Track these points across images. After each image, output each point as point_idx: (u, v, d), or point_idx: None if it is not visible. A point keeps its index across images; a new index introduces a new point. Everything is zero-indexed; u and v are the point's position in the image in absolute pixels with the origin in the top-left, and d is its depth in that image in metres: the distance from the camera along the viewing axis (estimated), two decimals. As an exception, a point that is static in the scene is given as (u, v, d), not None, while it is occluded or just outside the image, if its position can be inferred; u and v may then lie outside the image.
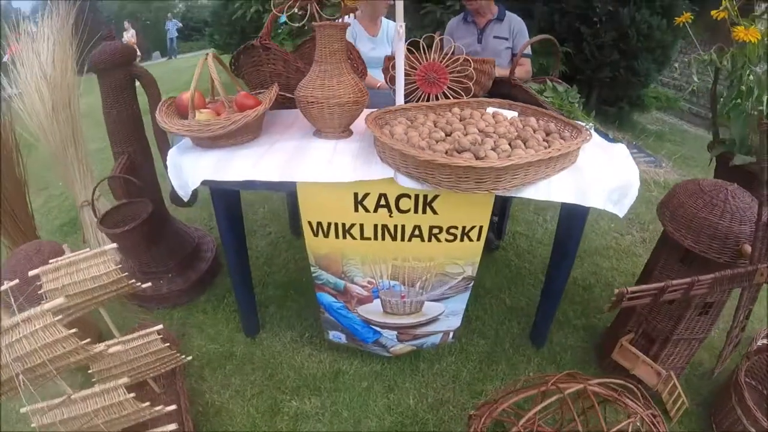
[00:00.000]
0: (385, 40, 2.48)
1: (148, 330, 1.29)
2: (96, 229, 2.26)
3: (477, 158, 1.07)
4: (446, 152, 1.11)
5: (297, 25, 1.38)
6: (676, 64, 2.00)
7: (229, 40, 6.12)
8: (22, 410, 1.06)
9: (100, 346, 0.99)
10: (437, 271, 1.39)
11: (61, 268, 1.22)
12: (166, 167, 1.44)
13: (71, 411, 1.00)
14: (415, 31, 3.52)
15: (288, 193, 2.48)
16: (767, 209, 1.16)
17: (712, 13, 1.74)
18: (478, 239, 1.28)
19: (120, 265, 1.23)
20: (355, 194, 1.21)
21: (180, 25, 11.36)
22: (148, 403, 1.07)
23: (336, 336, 1.71)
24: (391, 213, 1.24)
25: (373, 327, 1.61)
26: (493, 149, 1.13)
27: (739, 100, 1.84)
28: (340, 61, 1.32)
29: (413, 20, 3.64)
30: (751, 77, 1.76)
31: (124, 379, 1.03)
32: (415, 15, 3.67)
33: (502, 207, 2.45)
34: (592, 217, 2.86)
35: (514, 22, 2.35)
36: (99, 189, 1.97)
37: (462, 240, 1.28)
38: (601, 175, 1.28)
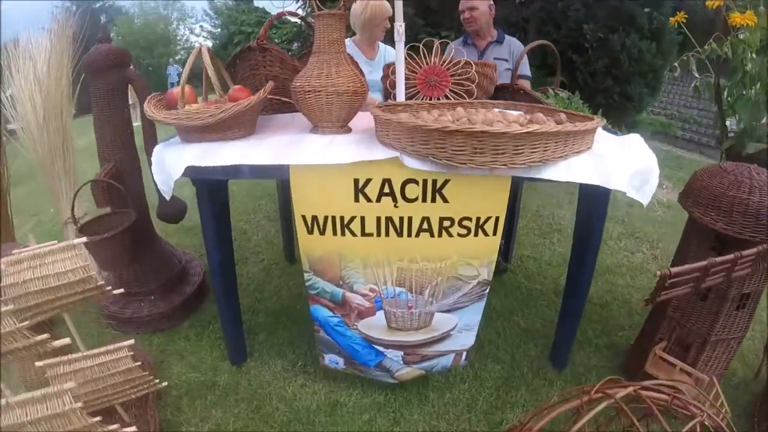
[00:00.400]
0: (382, 63, 2.47)
1: (117, 345, 1.12)
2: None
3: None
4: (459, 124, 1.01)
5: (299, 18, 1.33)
6: (675, 71, 1.97)
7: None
8: None
9: (59, 342, 0.82)
10: (449, 274, 1.24)
11: (23, 261, 1.08)
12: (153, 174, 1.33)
13: (7, 419, 0.81)
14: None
15: (283, 214, 2.38)
16: None
17: (708, 3, 1.75)
18: (494, 233, 1.15)
19: (88, 263, 1.08)
20: (356, 180, 1.09)
21: (181, 70, 11.76)
22: (98, 418, 0.88)
23: (333, 360, 1.52)
24: (397, 203, 1.11)
25: (375, 347, 1.42)
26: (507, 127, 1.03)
27: (743, 90, 1.81)
28: (339, 51, 1.26)
29: (411, 50, 3.71)
30: (752, 62, 1.74)
31: (71, 384, 0.85)
32: (411, 48, 3.75)
33: (509, 228, 2.34)
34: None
35: (514, 45, 2.37)
36: (85, 207, 1.85)
37: (476, 234, 1.15)
38: (620, 159, 1.18)
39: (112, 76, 1.78)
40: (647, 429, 0.92)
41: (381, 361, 1.48)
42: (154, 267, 1.91)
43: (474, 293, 1.29)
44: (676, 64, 1.98)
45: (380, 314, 1.35)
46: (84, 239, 1.13)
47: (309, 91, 1.22)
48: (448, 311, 1.33)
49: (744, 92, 1.81)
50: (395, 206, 1.12)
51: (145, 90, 1.82)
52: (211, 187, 1.34)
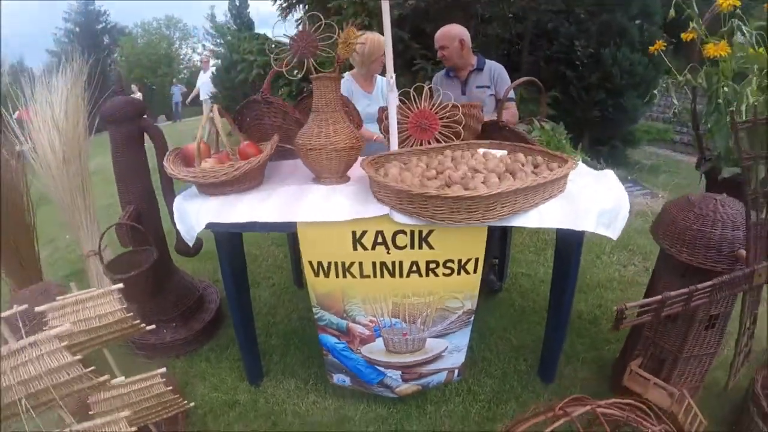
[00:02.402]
0: (380, 96, 2.63)
1: (151, 373, 1.30)
2: (103, 278, 2.31)
3: (467, 190, 1.14)
4: (439, 187, 1.19)
5: (296, 77, 1.50)
6: (656, 91, 2.09)
7: (232, 104, 6.48)
8: None
9: (104, 377, 1.01)
10: (437, 306, 1.42)
11: (67, 306, 1.26)
12: (171, 216, 1.52)
13: None
14: (408, 86, 3.74)
15: (291, 244, 2.56)
16: (754, 209, 1.21)
17: (682, 36, 1.85)
18: (475, 271, 1.32)
19: (125, 306, 1.27)
20: (353, 232, 1.27)
21: (185, 89, 12.09)
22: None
23: (340, 379, 1.70)
24: (389, 250, 1.29)
25: (377, 367, 1.60)
26: (483, 182, 1.20)
27: (719, 117, 1.92)
28: (335, 110, 1.44)
29: (405, 76, 3.89)
30: (726, 89, 1.83)
31: (125, 413, 1.04)
32: (407, 71, 3.93)
33: (503, 248, 2.49)
34: (594, 251, 2.91)
35: (494, 68, 2.48)
36: (106, 239, 2.05)
37: (459, 273, 1.32)
38: (591, 199, 1.34)
39: (130, 126, 1.96)
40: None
41: (382, 379, 1.65)
42: (174, 297, 2.10)
43: (460, 321, 1.47)
44: (655, 91, 2.11)
45: (379, 340, 1.53)
46: (120, 285, 1.31)
47: (310, 149, 1.40)
48: (438, 336, 1.51)
49: (719, 119, 1.93)
50: (387, 253, 1.30)
51: (160, 137, 2.02)
52: (229, 235, 1.53)
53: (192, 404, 1.49)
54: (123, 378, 1.23)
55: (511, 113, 2.38)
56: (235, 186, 1.45)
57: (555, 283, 1.65)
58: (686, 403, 1.54)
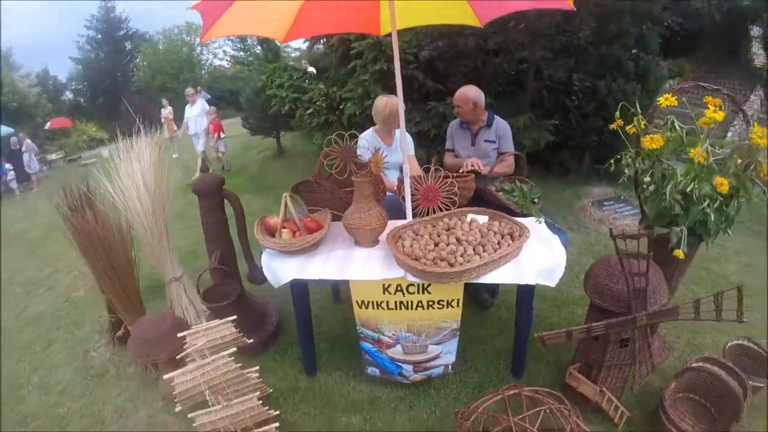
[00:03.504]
0: (398, 147, 3.47)
1: (251, 369, 2.23)
2: (181, 297, 3.30)
3: (450, 264, 2.03)
4: (433, 259, 2.08)
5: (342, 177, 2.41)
6: (611, 166, 2.69)
7: (262, 124, 7.41)
8: (190, 415, 2.01)
9: (252, 369, 1.97)
10: (434, 326, 2.32)
11: (199, 332, 2.22)
12: (245, 258, 2.44)
13: (221, 414, 1.96)
14: (422, 122, 4.59)
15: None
16: (628, 274, 2.04)
17: (627, 128, 2.30)
18: (457, 306, 2.22)
19: (238, 329, 2.22)
20: (383, 285, 2.18)
21: (209, 96, 13.03)
22: (260, 403, 2.01)
23: (372, 371, 2.64)
24: (404, 294, 2.20)
25: (397, 363, 2.53)
26: (462, 255, 2.09)
27: (654, 186, 2.39)
28: (370, 201, 2.32)
29: (420, 113, 4.72)
30: (664, 167, 2.33)
31: (256, 393, 1.99)
32: (422, 110, 4.75)
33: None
34: (574, 271, 3.67)
35: (500, 126, 3.22)
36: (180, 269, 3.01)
37: (447, 308, 2.22)
38: (536, 260, 2.19)
39: (215, 196, 2.93)
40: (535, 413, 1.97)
41: (400, 371, 2.57)
42: (246, 315, 3.05)
43: (450, 334, 2.36)
44: (612, 161, 2.75)
45: (399, 346, 2.44)
46: (234, 317, 2.26)
47: (353, 227, 2.31)
48: (436, 344, 2.41)
49: (655, 186, 2.40)
50: (403, 296, 2.19)
51: (236, 202, 2.97)
52: (302, 285, 2.47)
53: (270, 390, 2.43)
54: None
55: (507, 164, 3.13)
56: (304, 251, 2.37)
57: (518, 308, 2.52)
58: (606, 397, 2.40)
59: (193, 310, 3.34)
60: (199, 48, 23.78)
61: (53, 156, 14.89)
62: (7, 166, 11.58)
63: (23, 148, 11.92)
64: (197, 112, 8.16)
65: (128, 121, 3.35)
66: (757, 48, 13.92)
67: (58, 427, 2.73)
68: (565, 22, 4.88)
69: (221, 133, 8.36)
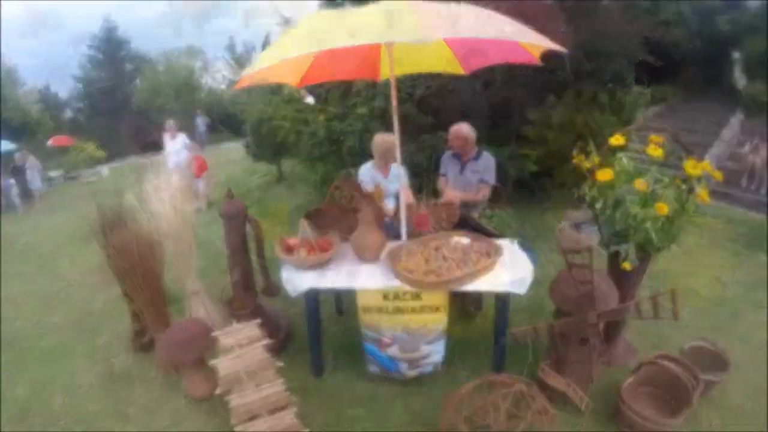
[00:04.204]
0: (394, 179, 4.06)
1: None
2: (199, 307, 3.82)
3: (437, 276, 2.62)
4: (424, 272, 2.66)
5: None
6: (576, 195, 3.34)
7: (265, 152, 8.02)
8: (226, 398, 2.54)
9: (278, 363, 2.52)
10: (425, 329, 2.88)
11: (230, 332, 2.77)
12: (261, 273, 3.02)
13: (253, 396, 2.49)
14: (415, 154, 5.21)
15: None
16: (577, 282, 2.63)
17: (584, 164, 3.08)
18: (444, 311, 2.79)
19: (261, 333, 2.77)
20: (383, 293, 2.75)
21: (209, 120, 13.65)
22: (285, 388, 2.55)
23: (374, 369, 3.17)
24: (401, 301, 2.77)
25: (394, 361, 3.06)
26: (447, 269, 2.67)
27: (608, 211, 3.17)
28: (372, 224, 2.92)
29: (414, 145, 5.34)
30: (615, 196, 2.90)
31: (281, 380, 2.54)
32: (416, 142, 5.37)
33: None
34: (549, 286, 4.24)
35: (486, 159, 3.83)
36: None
37: (434, 313, 2.79)
38: (508, 272, 2.78)
39: (239, 220, 3.50)
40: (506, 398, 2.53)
41: (398, 368, 3.10)
42: (262, 323, 3.57)
43: (438, 336, 2.92)
44: (573, 189, 3.40)
45: (396, 346, 2.98)
46: (259, 320, 2.81)
47: (358, 247, 2.90)
48: (427, 344, 2.96)
49: (609, 212, 3.18)
50: (400, 302, 2.76)
51: (257, 226, 3.54)
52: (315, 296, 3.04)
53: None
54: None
55: (482, 194, 3.78)
56: (318, 266, 2.95)
57: (497, 315, 3.08)
58: (571, 388, 2.95)
59: (209, 320, 3.85)
60: (198, 72, 24.73)
61: (53, 173, 15.26)
62: (11, 181, 11.79)
63: (26, 165, 12.26)
64: (178, 146, 8.20)
65: (138, 140, 3.95)
66: (738, 72, 14.95)
67: (84, 426, 3.12)
68: (545, 62, 5.54)
69: (204, 173, 8.31)
